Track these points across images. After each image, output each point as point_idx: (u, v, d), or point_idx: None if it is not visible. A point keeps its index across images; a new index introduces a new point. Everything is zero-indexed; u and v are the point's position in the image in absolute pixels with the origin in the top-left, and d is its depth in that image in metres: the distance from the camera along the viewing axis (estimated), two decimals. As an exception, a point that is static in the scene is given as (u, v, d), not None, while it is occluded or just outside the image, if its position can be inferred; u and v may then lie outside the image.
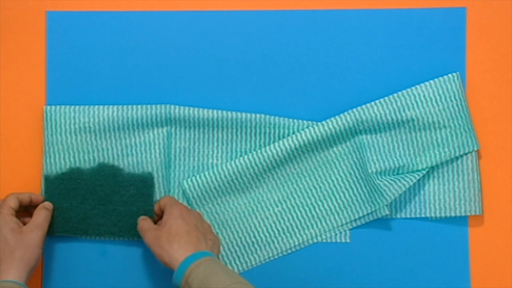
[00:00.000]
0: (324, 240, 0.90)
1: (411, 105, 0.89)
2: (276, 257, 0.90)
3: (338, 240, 0.90)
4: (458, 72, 0.90)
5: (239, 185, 0.90)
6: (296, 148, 0.89)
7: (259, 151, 0.90)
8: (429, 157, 0.89)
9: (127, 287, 0.90)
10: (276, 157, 0.89)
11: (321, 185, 0.91)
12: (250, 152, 0.90)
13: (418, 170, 0.89)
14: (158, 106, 0.89)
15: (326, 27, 0.91)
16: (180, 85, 0.91)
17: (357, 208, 0.90)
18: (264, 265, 0.90)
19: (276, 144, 0.89)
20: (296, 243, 0.90)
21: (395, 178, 0.88)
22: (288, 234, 0.90)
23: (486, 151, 0.91)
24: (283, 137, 0.90)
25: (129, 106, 0.89)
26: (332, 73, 0.91)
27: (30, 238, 0.83)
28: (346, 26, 0.91)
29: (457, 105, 0.89)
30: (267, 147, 0.89)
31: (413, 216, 0.90)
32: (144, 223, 0.86)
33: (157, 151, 0.89)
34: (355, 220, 0.90)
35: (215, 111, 0.89)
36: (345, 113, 0.89)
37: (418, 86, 0.89)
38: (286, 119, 0.90)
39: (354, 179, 0.90)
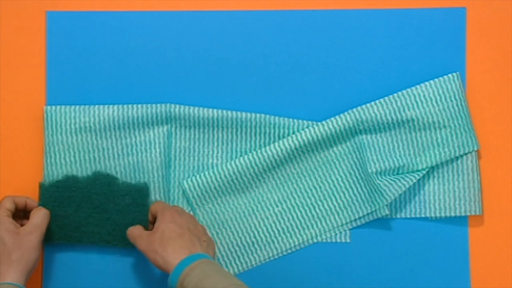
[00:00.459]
0: (324, 240, 0.90)
1: (411, 105, 0.89)
2: (276, 257, 0.90)
3: (338, 240, 0.90)
4: (458, 72, 0.90)
5: (239, 185, 0.90)
6: (296, 148, 0.89)
7: (259, 151, 0.90)
8: (429, 157, 0.89)
9: (127, 288, 0.90)
10: (276, 157, 0.89)
11: (321, 185, 0.91)
12: (250, 152, 0.90)
13: (418, 170, 0.89)
14: (158, 105, 0.89)
15: (326, 27, 0.91)
16: (180, 85, 0.91)
17: (357, 208, 0.90)
18: (264, 265, 0.90)
19: (276, 144, 0.89)
20: (296, 243, 0.90)
21: (395, 178, 0.88)
22: (288, 234, 0.90)
23: (486, 151, 0.91)
24: (283, 137, 0.90)
25: (129, 106, 0.89)
26: (332, 73, 0.91)
27: (28, 240, 0.82)
28: (346, 26, 0.91)
29: (457, 105, 0.89)
30: (267, 147, 0.89)
31: (413, 216, 0.90)
32: (134, 230, 0.86)
33: (157, 150, 0.89)
34: (355, 220, 0.90)
35: (215, 110, 0.89)
36: (345, 113, 0.89)
37: (418, 86, 0.89)
38: (286, 119, 0.90)
39: (354, 179, 0.90)
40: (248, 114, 0.90)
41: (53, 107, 0.89)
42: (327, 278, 0.90)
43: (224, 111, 0.89)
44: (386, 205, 0.88)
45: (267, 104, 0.91)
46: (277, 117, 0.90)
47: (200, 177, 0.90)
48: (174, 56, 0.91)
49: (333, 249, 0.90)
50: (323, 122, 0.89)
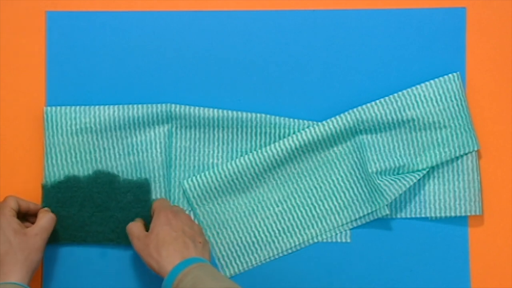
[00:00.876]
0: (325, 240, 0.90)
1: (411, 105, 0.89)
2: (277, 257, 0.90)
3: (339, 240, 0.90)
4: (458, 72, 0.90)
5: (239, 185, 0.90)
6: (296, 148, 0.89)
7: (259, 151, 0.90)
8: (429, 157, 0.89)
9: (127, 288, 0.90)
10: (276, 157, 0.89)
11: (322, 185, 0.91)
12: (250, 152, 0.90)
13: (418, 170, 0.89)
14: (159, 105, 0.89)
15: (326, 27, 0.91)
16: (180, 85, 0.91)
17: (357, 208, 0.90)
18: (264, 265, 0.90)
19: (276, 144, 0.89)
20: (297, 243, 0.90)
21: (395, 178, 0.88)
22: (288, 234, 0.90)
23: (486, 151, 0.91)
24: (283, 137, 0.90)
25: (130, 106, 0.89)
26: (332, 73, 0.91)
27: (34, 241, 0.82)
28: (346, 26, 0.91)
29: (457, 105, 0.89)
30: (267, 147, 0.89)
31: (413, 216, 0.90)
32: (133, 228, 0.85)
33: (158, 150, 0.89)
34: (356, 220, 0.90)
35: (215, 110, 0.89)
36: (345, 113, 0.89)
37: (418, 86, 0.89)
38: (286, 119, 0.90)
39: (354, 179, 0.90)
40: (248, 114, 0.90)
41: (53, 108, 0.89)
42: (328, 278, 0.90)
43: (224, 111, 0.89)
44: (386, 205, 0.88)
45: (267, 104, 0.91)
46: (277, 117, 0.90)
47: (200, 177, 0.90)
48: (174, 56, 0.91)
49: (334, 249, 0.90)
50: (323, 122, 0.89)
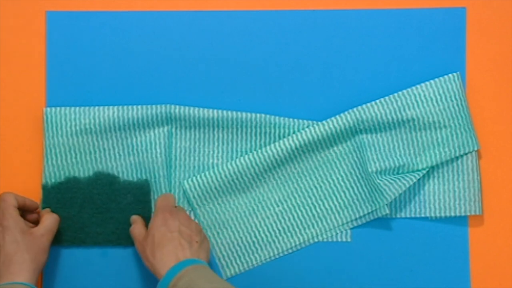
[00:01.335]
0: (325, 240, 0.90)
1: (411, 105, 0.89)
2: (277, 256, 0.90)
3: (339, 240, 0.90)
4: (458, 72, 0.90)
5: (239, 185, 0.90)
6: (296, 148, 0.89)
7: (259, 151, 0.90)
8: (429, 157, 0.89)
9: (128, 288, 0.90)
10: (276, 157, 0.89)
11: (322, 184, 0.91)
12: (250, 152, 0.90)
13: (418, 170, 0.89)
14: (159, 106, 0.89)
15: (326, 27, 0.92)
16: (180, 85, 0.91)
17: (357, 208, 0.90)
18: (264, 265, 0.90)
19: (276, 144, 0.89)
20: (297, 242, 0.90)
21: (395, 177, 0.88)
22: (288, 234, 0.90)
23: (486, 151, 0.91)
24: (283, 137, 0.90)
25: (130, 107, 0.89)
26: (332, 73, 0.91)
27: (40, 242, 0.83)
28: (346, 26, 0.91)
29: (457, 105, 0.89)
30: (267, 147, 0.89)
31: (413, 216, 0.90)
32: (134, 230, 0.85)
33: (158, 151, 0.89)
34: (356, 219, 0.90)
35: (215, 110, 0.89)
36: (345, 113, 0.89)
37: (418, 86, 0.89)
38: (286, 119, 0.90)
39: (355, 178, 0.90)
40: (248, 114, 0.90)
41: (53, 108, 0.89)
42: (328, 277, 0.90)
43: (224, 111, 0.89)
44: (386, 205, 0.88)
45: (267, 104, 0.91)
46: (277, 117, 0.90)
47: (200, 177, 0.90)
48: (174, 56, 0.91)
49: (334, 248, 0.90)
50: (323, 122, 0.89)
